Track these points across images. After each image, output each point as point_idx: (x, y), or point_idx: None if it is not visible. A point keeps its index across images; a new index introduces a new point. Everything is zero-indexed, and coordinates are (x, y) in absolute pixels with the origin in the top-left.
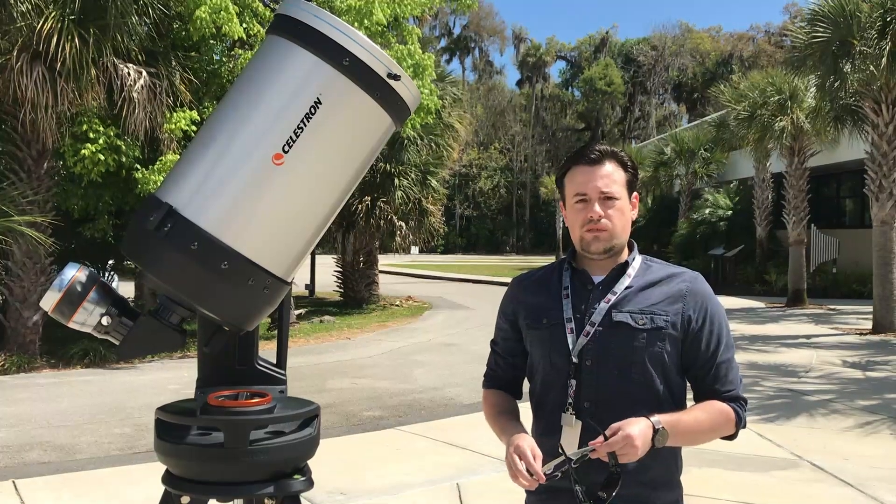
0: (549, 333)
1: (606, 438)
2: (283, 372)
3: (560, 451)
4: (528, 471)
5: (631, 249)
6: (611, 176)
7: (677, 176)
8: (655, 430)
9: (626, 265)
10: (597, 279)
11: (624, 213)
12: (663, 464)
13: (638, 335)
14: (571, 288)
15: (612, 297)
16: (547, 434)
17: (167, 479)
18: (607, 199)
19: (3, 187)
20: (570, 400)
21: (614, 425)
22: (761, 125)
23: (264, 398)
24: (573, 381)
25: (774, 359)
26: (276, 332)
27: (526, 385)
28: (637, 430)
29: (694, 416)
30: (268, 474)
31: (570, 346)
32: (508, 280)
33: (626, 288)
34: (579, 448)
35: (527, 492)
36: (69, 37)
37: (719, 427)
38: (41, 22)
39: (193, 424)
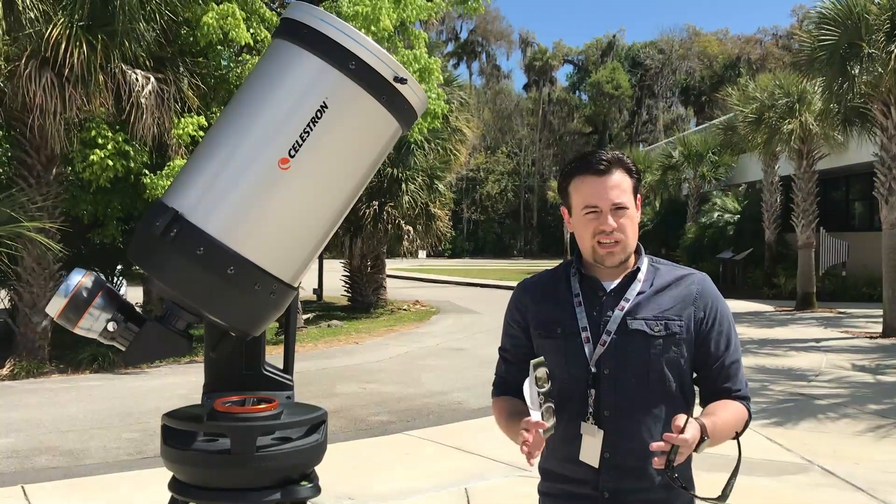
0: (563, 343)
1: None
2: (290, 377)
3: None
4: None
5: (638, 253)
6: (620, 185)
7: (685, 179)
8: (704, 437)
9: (636, 271)
10: (607, 285)
11: (634, 221)
12: (684, 464)
13: (654, 342)
14: (582, 295)
15: (625, 305)
16: (565, 442)
17: (173, 485)
18: (619, 209)
19: (13, 193)
20: (590, 409)
21: (679, 420)
22: (769, 128)
23: (271, 404)
24: (592, 391)
25: (784, 362)
26: (283, 337)
27: None
28: (696, 432)
29: (723, 418)
30: (275, 481)
31: (588, 356)
32: (516, 284)
33: (639, 294)
34: (601, 456)
35: (541, 494)
36: (77, 43)
37: (738, 428)
38: (49, 28)
39: (200, 430)
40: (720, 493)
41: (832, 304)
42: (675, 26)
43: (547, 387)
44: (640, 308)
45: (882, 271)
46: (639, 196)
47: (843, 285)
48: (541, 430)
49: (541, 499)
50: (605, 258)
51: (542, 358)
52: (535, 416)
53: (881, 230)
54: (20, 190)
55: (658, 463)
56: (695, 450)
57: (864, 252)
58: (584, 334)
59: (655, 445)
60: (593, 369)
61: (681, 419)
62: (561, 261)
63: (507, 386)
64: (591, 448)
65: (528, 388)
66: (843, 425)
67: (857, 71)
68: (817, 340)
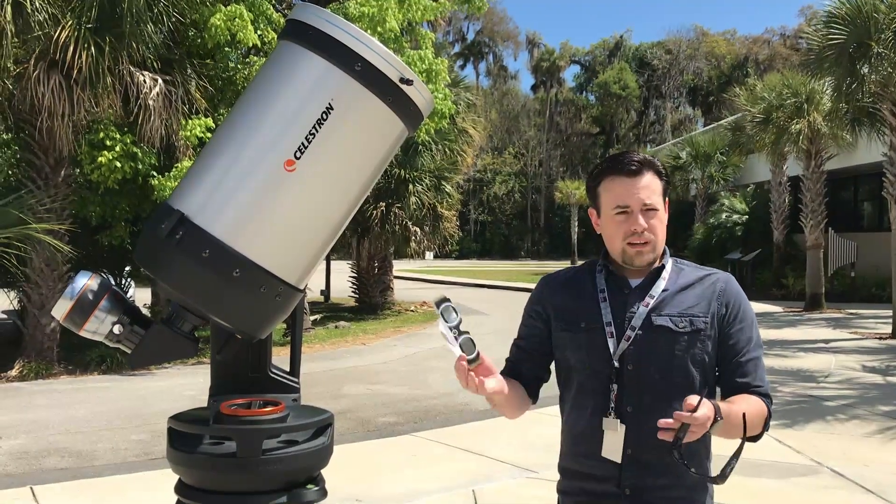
0: (587, 338)
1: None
2: (296, 380)
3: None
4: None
5: (664, 253)
6: (650, 186)
7: (693, 180)
8: (717, 418)
9: (661, 269)
10: (632, 283)
11: (663, 223)
12: (702, 464)
13: (679, 338)
14: (608, 291)
15: (650, 301)
16: (587, 438)
17: (179, 488)
18: (649, 210)
19: (21, 195)
20: (612, 405)
21: (692, 399)
22: (777, 128)
23: (277, 407)
24: (615, 386)
25: (793, 364)
26: (289, 338)
27: (554, 388)
28: (709, 412)
29: (741, 407)
30: (281, 484)
31: (612, 351)
32: (523, 285)
33: (663, 291)
34: (623, 452)
35: (560, 493)
36: (85, 45)
37: (757, 422)
38: (58, 31)
39: (206, 433)
40: (719, 473)
41: (841, 305)
42: (682, 27)
43: (456, 320)
44: (665, 305)
45: (891, 272)
46: (667, 200)
47: (852, 286)
48: (464, 363)
49: (560, 498)
50: (635, 258)
51: (444, 295)
52: (456, 351)
53: (890, 230)
54: (29, 192)
55: (664, 435)
56: (709, 430)
57: (873, 253)
58: (608, 329)
59: (663, 422)
60: (616, 364)
61: (693, 399)
62: (568, 262)
63: (511, 370)
64: (613, 444)
65: (442, 328)
66: (852, 427)
67: (865, 70)
68: (826, 341)
